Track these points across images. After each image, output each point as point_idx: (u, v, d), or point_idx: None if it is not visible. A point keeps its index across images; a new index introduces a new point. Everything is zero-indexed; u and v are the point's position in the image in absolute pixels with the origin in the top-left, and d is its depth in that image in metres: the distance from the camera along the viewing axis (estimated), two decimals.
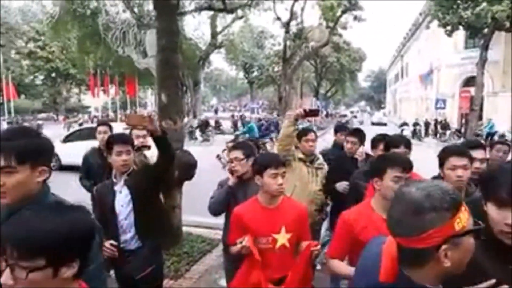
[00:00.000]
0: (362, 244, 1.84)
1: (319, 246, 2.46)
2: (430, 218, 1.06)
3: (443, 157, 2.51)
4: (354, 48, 44.90)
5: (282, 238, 2.43)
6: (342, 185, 3.81)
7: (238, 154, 3.01)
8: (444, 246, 1.06)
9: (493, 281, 1.29)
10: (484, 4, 19.53)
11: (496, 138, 18.14)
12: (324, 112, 44.75)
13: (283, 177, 2.45)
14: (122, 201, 2.79)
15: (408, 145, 3.18)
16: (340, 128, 5.15)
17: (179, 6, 5.77)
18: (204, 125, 24.85)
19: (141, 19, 18.59)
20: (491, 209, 1.40)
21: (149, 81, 30.38)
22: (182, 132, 5.46)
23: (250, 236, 2.38)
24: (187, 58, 29.00)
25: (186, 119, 30.26)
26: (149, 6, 17.73)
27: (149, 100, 58.43)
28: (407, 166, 2.16)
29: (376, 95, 78.34)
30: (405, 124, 26.33)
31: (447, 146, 2.75)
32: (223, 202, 3.06)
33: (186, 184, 5.29)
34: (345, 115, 49.13)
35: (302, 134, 3.92)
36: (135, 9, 20.35)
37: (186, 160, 5.05)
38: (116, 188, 2.80)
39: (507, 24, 20.90)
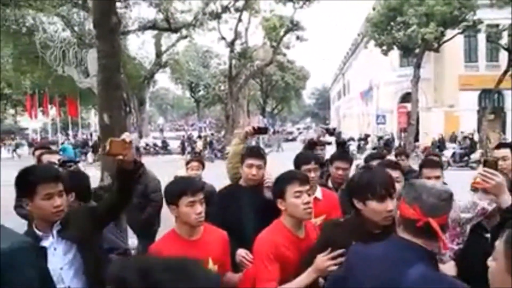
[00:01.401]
0: (288, 262, 2.08)
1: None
2: (450, 203, 1.56)
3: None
4: (298, 67, 46.38)
5: None
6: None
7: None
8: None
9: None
10: (415, 26, 21.02)
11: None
12: (271, 130, 45.49)
13: (202, 204, 2.18)
14: (60, 262, 1.95)
15: (317, 161, 3.17)
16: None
17: (121, 26, 5.67)
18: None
19: (82, 37, 18.04)
20: (372, 204, 1.86)
21: (91, 101, 29.41)
22: None
23: None
24: (132, 77, 28.47)
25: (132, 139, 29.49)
26: (90, 25, 17.31)
27: (92, 121, 56.35)
28: (304, 178, 2.21)
29: (321, 112, 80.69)
30: (351, 139, 27.26)
31: None
32: None
33: None
34: (291, 132, 50.19)
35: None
36: (76, 28, 19.75)
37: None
38: (45, 244, 1.94)
39: (435, 45, 22.61)
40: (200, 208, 2.13)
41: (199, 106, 50.70)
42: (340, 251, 1.87)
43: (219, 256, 2.24)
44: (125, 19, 21.98)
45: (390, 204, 1.83)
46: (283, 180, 2.22)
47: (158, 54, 29.27)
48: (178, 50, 36.00)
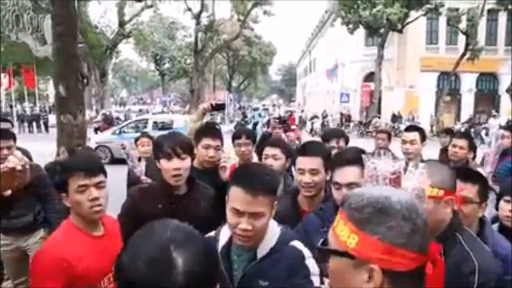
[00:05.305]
0: (86, 271, 1.63)
1: None
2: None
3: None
4: (265, 42, 46.02)
5: None
6: None
7: None
8: None
9: None
10: (380, 6, 21.29)
11: None
12: (237, 105, 45.30)
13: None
14: None
15: (249, 136, 3.29)
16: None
17: None
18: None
19: (38, 1, 17.07)
20: (162, 163, 2.06)
21: (50, 71, 28.10)
22: (84, 127, 5.17)
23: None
24: (93, 47, 27.39)
25: (92, 113, 28.64)
26: None
27: (50, 92, 53.85)
28: (93, 167, 1.73)
29: (287, 89, 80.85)
30: (315, 117, 27.61)
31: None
32: None
33: None
34: (257, 108, 50.12)
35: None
36: None
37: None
38: None
39: (399, 25, 23.03)
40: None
41: (164, 80, 49.57)
42: None
43: None
44: None
45: (177, 163, 2.01)
46: (65, 170, 1.73)
47: (121, 24, 28.19)
48: (142, 20, 34.88)
